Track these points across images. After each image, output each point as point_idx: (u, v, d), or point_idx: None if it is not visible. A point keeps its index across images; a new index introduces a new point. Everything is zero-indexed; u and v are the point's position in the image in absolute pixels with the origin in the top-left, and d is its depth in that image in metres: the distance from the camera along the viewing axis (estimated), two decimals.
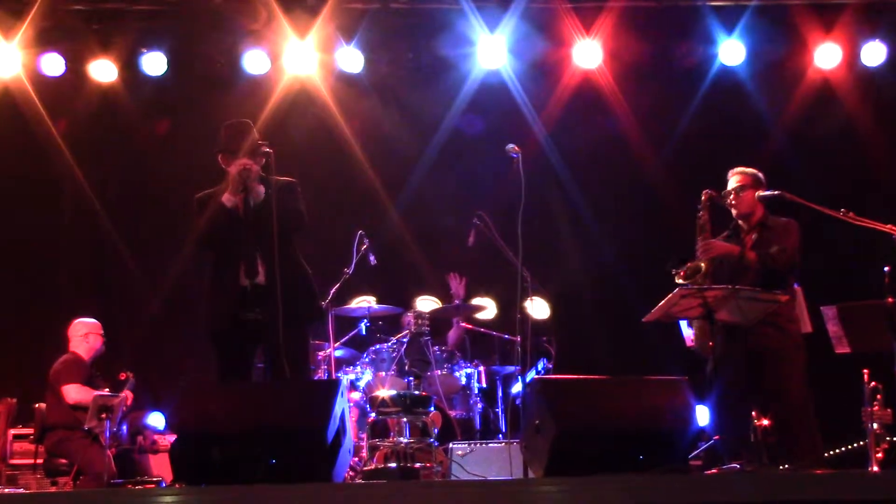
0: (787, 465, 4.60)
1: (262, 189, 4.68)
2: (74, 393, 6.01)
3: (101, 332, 6.33)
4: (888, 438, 4.62)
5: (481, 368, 6.55)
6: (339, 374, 6.35)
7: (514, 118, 7.28)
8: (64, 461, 5.96)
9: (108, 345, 6.45)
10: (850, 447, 5.57)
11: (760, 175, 5.32)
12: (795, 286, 5.19)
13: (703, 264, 5.02)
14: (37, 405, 6.16)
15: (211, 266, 4.79)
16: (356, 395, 6.20)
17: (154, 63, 7.20)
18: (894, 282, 4.49)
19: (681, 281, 4.99)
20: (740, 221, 5.33)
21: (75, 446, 5.93)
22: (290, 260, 4.71)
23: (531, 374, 6.16)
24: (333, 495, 3.70)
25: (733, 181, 5.32)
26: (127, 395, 6.09)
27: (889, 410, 4.61)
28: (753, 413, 4.73)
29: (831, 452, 5.70)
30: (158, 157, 7.40)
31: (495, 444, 5.47)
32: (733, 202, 5.29)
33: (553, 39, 7.24)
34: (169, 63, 7.21)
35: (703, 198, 5.27)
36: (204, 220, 4.72)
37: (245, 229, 4.67)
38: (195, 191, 4.87)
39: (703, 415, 5.16)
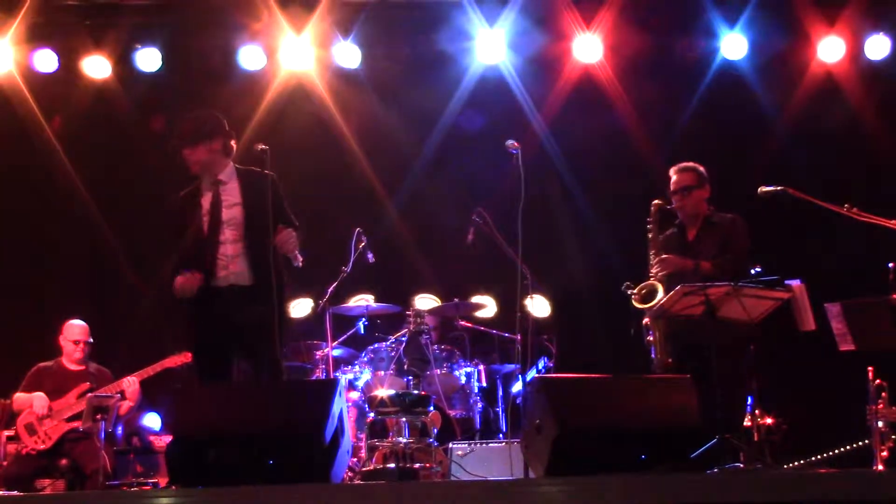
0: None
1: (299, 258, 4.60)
2: (16, 402, 6.08)
3: (77, 337, 6.21)
4: (893, 437, 4.58)
5: (481, 367, 6.50)
6: (337, 374, 6.31)
7: (513, 114, 7.23)
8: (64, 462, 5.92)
9: (104, 344, 6.38)
10: (854, 445, 5.52)
11: (705, 172, 5.19)
12: (798, 283, 5.10)
13: (658, 285, 4.89)
14: None
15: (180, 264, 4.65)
16: (354, 395, 6.16)
17: (148, 59, 7.16)
18: None
19: (638, 305, 4.90)
20: (686, 220, 5.18)
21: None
22: (275, 261, 4.62)
23: (532, 373, 6.11)
24: (332, 496, 3.67)
25: (680, 179, 5.16)
26: (122, 402, 6.03)
27: (894, 408, 4.56)
28: (757, 412, 4.66)
29: (835, 451, 5.66)
30: (153, 155, 7.32)
31: (495, 444, 5.42)
32: (680, 203, 5.14)
33: (553, 34, 7.20)
34: (163, 59, 7.17)
35: (652, 209, 5.13)
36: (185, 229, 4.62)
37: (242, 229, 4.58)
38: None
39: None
